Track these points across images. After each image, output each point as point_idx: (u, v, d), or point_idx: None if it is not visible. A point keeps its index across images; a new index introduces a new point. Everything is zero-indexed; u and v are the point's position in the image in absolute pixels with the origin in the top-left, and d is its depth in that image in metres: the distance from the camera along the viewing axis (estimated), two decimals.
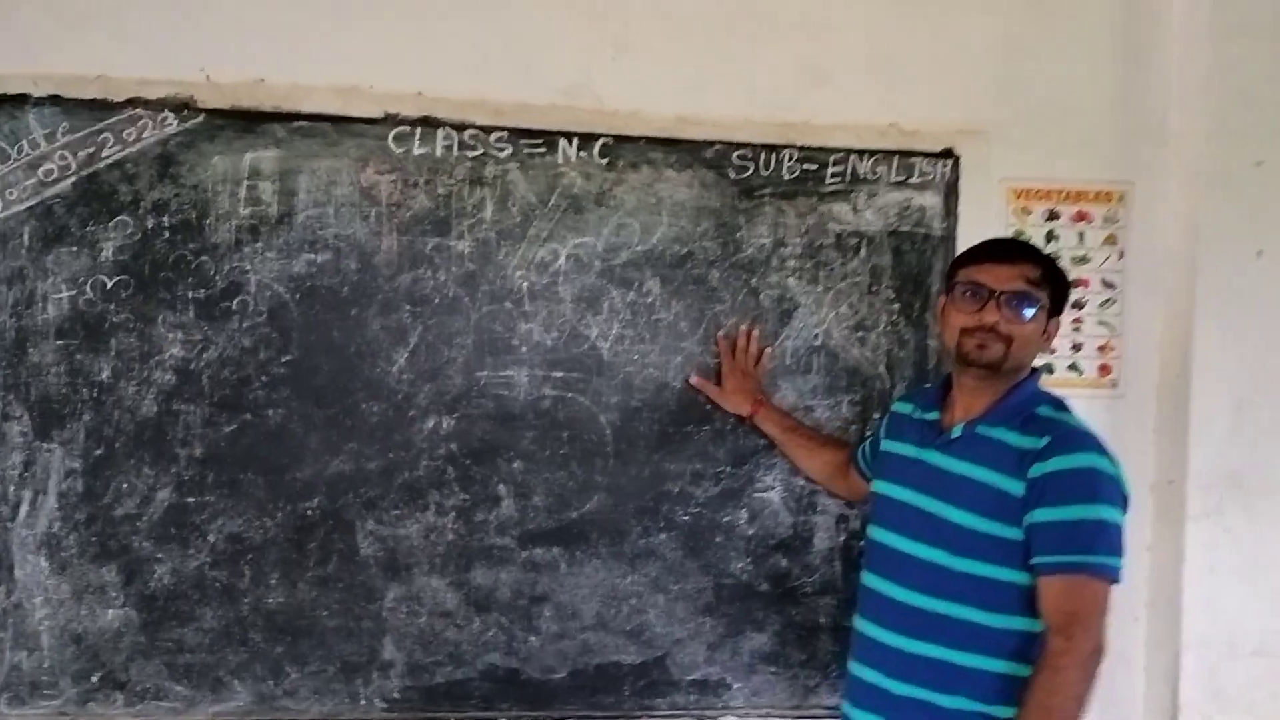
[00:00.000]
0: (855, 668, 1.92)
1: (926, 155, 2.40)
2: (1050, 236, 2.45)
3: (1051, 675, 1.64)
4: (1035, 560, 1.69)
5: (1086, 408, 2.41)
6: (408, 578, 2.27)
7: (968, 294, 1.78)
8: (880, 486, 1.97)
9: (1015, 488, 1.71)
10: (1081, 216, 2.45)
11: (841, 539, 2.39)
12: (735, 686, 2.37)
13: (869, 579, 1.93)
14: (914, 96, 2.40)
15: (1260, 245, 2.34)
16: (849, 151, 2.37)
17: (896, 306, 2.40)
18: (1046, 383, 1.93)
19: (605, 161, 2.30)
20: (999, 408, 1.80)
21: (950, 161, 2.40)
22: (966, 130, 2.41)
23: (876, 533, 1.94)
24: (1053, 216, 2.45)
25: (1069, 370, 2.46)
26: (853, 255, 2.39)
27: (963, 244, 2.37)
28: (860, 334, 2.39)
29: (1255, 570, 2.33)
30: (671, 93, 2.33)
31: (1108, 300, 2.47)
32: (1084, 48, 2.44)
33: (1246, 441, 2.37)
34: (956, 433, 1.82)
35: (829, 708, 2.38)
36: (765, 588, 2.37)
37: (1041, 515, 1.68)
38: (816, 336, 2.38)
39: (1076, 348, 2.46)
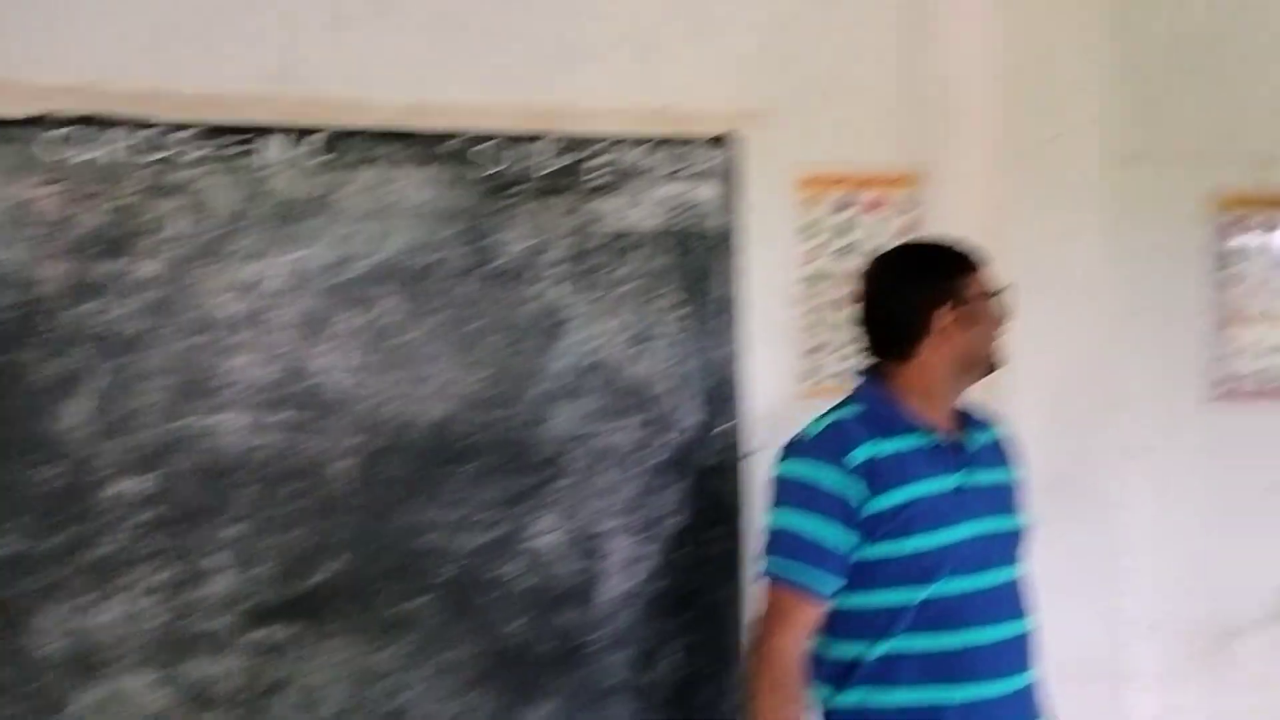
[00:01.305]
0: None
1: (703, 142, 2.20)
2: (844, 228, 2.29)
3: None
4: None
5: None
6: (104, 677, 1.91)
7: (997, 301, 1.76)
8: (935, 539, 1.64)
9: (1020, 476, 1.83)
10: (877, 204, 2.30)
11: (632, 584, 2.15)
12: None
13: (956, 638, 1.64)
14: (685, 76, 2.21)
15: (1062, 227, 2.23)
16: (615, 140, 2.16)
17: (679, 314, 2.19)
18: None
19: (324, 160, 2.02)
20: (968, 408, 1.80)
21: (730, 148, 2.21)
22: (746, 113, 2.22)
23: (949, 586, 1.64)
24: (845, 206, 2.29)
25: None
26: (627, 257, 2.17)
27: (749, 238, 2.22)
28: (640, 348, 2.17)
29: (1081, 580, 2.20)
30: (401, 76, 2.06)
31: None
32: (867, 18, 2.29)
33: (1070, 439, 2.25)
34: (977, 443, 1.76)
35: None
36: (548, 648, 2.11)
37: None
38: (591, 352, 2.15)
39: None
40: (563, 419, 2.13)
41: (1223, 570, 2.46)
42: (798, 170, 2.26)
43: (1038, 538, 2.15)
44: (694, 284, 2.19)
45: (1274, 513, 2.49)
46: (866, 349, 1.78)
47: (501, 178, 2.10)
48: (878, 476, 1.63)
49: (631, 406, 2.17)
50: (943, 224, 2.30)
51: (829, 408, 1.75)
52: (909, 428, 1.69)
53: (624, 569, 2.15)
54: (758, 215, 2.22)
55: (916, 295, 1.70)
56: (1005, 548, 1.73)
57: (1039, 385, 2.23)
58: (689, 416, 2.19)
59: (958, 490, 1.68)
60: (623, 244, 2.16)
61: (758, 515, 2.19)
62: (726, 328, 2.21)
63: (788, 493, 1.68)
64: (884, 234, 2.29)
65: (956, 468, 1.69)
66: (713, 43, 2.21)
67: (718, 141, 2.21)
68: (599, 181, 2.15)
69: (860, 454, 1.63)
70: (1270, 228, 2.50)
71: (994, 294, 1.74)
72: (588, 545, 2.13)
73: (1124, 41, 2.30)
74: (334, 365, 2.02)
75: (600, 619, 2.13)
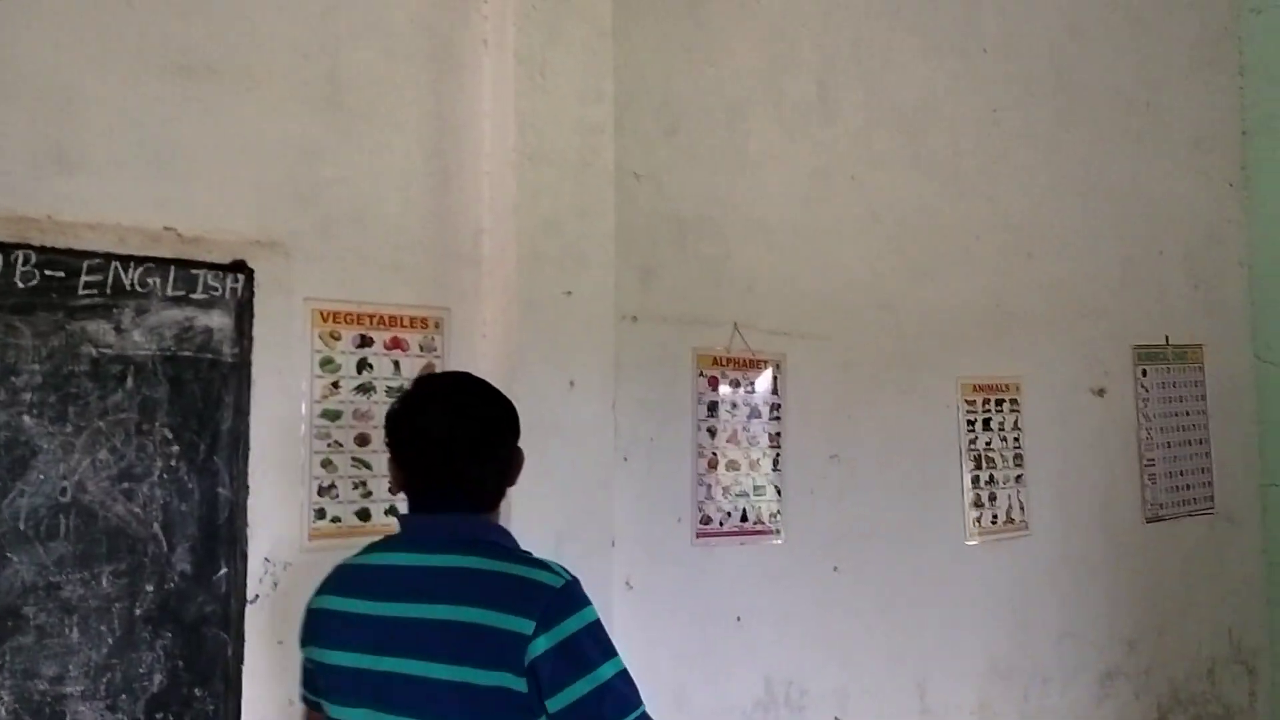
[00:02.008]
0: None
1: (213, 267, 2.11)
2: (364, 365, 2.29)
3: None
4: None
5: None
6: None
7: None
8: None
9: None
10: (396, 343, 2.33)
11: None
12: None
13: None
14: (196, 197, 2.11)
15: (572, 376, 2.40)
16: (110, 257, 2.00)
17: (176, 449, 2.05)
18: None
19: None
20: None
21: (243, 276, 2.14)
22: (262, 241, 2.17)
23: None
24: (365, 343, 2.29)
25: (387, 515, 2.28)
26: (116, 386, 1.99)
27: (261, 371, 2.14)
28: (127, 485, 1.99)
29: None
30: None
31: None
32: (394, 161, 2.36)
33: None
34: None
35: None
36: None
37: None
38: (65, 491, 1.93)
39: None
40: (22, 566, 1.88)
41: (699, 697, 2.73)
42: (317, 304, 2.23)
43: None
44: (197, 417, 2.07)
45: (742, 641, 2.81)
46: (453, 498, 1.60)
47: None
48: None
49: (111, 552, 1.97)
50: (461, 366, 2.39)
51: (504, 558, 1.55)
52: None
53: None
54: (272, 347, 2.16)
55: (514, 443, 1.68)
56: None
57: (542, 523, 2.34)
58: (182, 562, 2.04)
59: None
60: (114, 370, 1.99)
61: (253, 668, 2.09)
62: (231, 465, 2.10)
63: (602, 640, 1.52)
64: (404, 374, 2.32)
65: None
66: (231, 165, 2.15)
67: (231, 268, 2.13)
68: (89, 301, 1.98)
69: None
70: (740, 384, 2.88)
71: None
72: (45, 714, 1.88)
73: (627, 216, 2.58)
74: None
75: None
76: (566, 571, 1.55)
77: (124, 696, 1.96)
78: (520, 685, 1.44)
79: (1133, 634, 3.72)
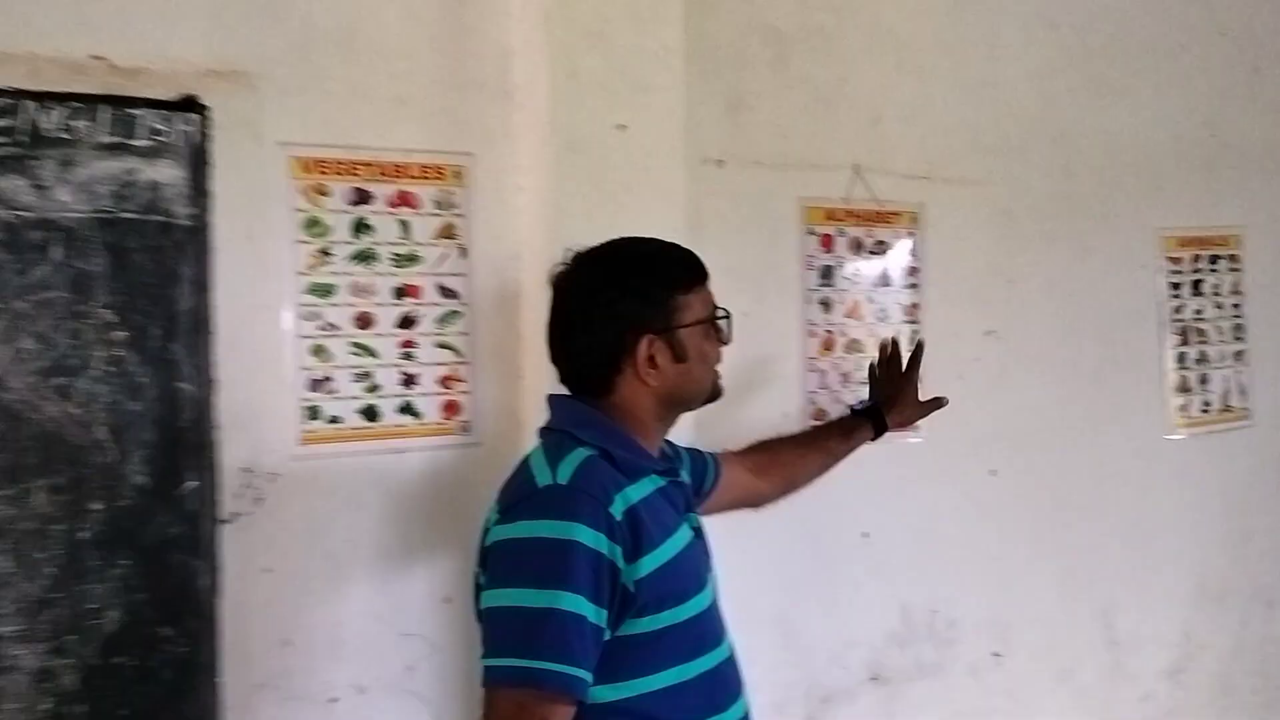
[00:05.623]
0: None
1: (156, 105, 1.69)
2: (361, 227, 1.83)
3: None
4: None
5: (429, 461, 1.86)
6: None
7: (726, 322, 1.46)
8: (699, 602, 1.36)
9: None
10: (404, 199, 1.85)
11: (42, 709, 1.57)
12: None
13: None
14: (131, 18, 1.69)
15: (629, 235, 1.85)
16: (21, 94, 1.60)
17: (122, 335, 1.65)
18: None
19: None
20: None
21: (196, 116, 1.69)
22: (220, 71, 1.72)
23: (711, 659, 1.36)
24: (362, 199, 1.82)
25: (401, 414, 1.84)
26: (39, 257, 1.60)
27: (226, 236, 1.71)
28: (60, 380, 1.61)
29: None
30: None
31: (450, 314, 1.89)
32: None
33: None
34: (685, 475, 1.51)
35: None
36: None
37: None
38: None
39: (409, 380, 1.85)
40: None
41: (814, 629, 2.23)
42: (295, 149, 1.77)
43: None
44: (146, 295, 1.66)
45: (870, 563, 2.28)
46: (563, 376, 1.44)
47: None
48: (640, 533, 1.28)
49: (46, 462, 1.60)
50: (490, 229, 1.91)
51: (544, 447, 1.35)
52: (646, 468, 1.38)
53: (30, 688, 1.57)
54: (238, 207, 1.73)
55: (606, 320, 1.37)
56: (719, 605, 1.44)
57: None
58: (137, 474, 1.65)
59: (696, 536, 1.43)
60: (35, 237, 1.60)
61: (235, 601, 1.71)
62: (194, 354, 1.69)
63: (534, 562, 1.23)
64: (415, 237, 1.85)
65: (686, 509, 1.43)
66: None
67: (181, 106, 1.68)
68: (3, 151, 1.57)
69: (620, 505, 1.28)
70: (864, 244, 2.27)
71: (715, 317, 1.44)
72: None
73: (704, 27, 2.02)
74: None
75: None
76: (575, 479, 1.27)
77: (72, 637, 1.61)
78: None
79: None
